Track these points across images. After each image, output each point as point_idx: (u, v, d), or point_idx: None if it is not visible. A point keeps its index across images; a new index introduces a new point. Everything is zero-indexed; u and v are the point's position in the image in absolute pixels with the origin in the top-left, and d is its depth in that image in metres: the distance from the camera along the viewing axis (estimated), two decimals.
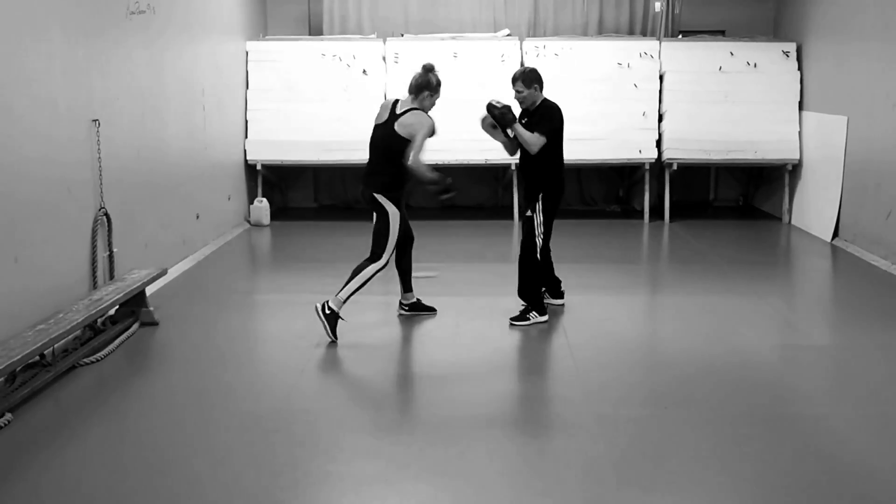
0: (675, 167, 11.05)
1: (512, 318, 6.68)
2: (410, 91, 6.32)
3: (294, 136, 11.13)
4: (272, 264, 9.83)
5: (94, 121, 6.62)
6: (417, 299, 6.95)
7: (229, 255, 9.47)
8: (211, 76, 9.73)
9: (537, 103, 6.56)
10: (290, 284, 8.30)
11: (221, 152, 10.18)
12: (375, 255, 6.32)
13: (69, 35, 6.30)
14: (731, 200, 12.57)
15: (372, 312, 6.89)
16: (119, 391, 5.55)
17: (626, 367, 5.87)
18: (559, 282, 7.13)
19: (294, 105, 11.18)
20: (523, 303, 6.76)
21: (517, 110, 6.60)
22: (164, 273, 7.11)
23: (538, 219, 6.60)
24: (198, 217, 9.16)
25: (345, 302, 6.26)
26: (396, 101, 6.40)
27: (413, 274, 6.86)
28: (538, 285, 6.75)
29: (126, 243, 7.20)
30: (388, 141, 6.28)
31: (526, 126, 6.48)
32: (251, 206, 11.12)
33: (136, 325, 6.59)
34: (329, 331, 6.20)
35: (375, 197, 6.33)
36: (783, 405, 5.20)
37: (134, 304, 6.67)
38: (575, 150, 10.88)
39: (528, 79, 6.51)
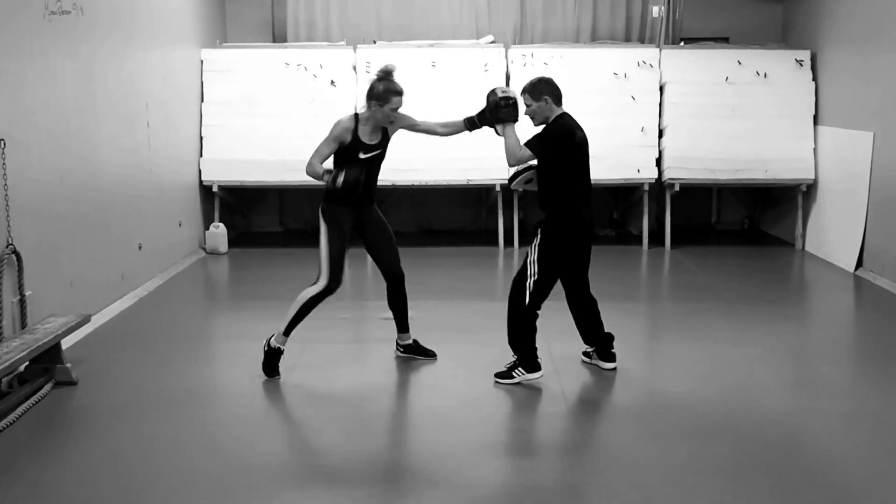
0: (677, 188, 10.01)
1: (497, 374, 5.60)
2: (365, 100, 5.64)
3: (255, 154, 10.01)
4: (223, 302, 8.63)
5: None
6: (414, 340, 6.09)
7: (177, 290, 8.31)
8: (158, 88, 8.61)
9: (551, 119, 5.41)
10: (242, 327, 7.16)
11: (171, 173, 9.05)
12: (316, 278, 5.60)
13: None
14: (735, 223, 11.56)
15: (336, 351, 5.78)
16: (16, 469, 4.37)
17: (632, 434, 4.77)
18: (609, 339, 5.83)
19: (255, 120, 10.07)
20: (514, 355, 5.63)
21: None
22: (86, 320, 5.97)
23: (532, 256, 5.42)
24: (140, 247, 8.02)
25: (287, 334, 5.61)
26: None
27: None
28: (526, 338, 5.50)
29: (45, 284, 6.09)
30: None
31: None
32: (206, 232, 9.98)
33: (48, 386, 5.46)
34: (266, 369, 5.63)
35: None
36: (816, 473, 4.23)
37: (47, 360, 5.53)
38: None
39: (536, 90, 5.37)
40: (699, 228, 11.39)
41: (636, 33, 11.09)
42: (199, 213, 10.06)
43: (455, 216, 11.28)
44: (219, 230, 9.93)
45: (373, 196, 5.80)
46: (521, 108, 5.45)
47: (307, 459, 4.63)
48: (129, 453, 4.58)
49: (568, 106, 10.34)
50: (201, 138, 10.08)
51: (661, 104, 10.16)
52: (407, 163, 10.00)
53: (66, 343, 6.14)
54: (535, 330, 5.52)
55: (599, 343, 5.84)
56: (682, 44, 10.75)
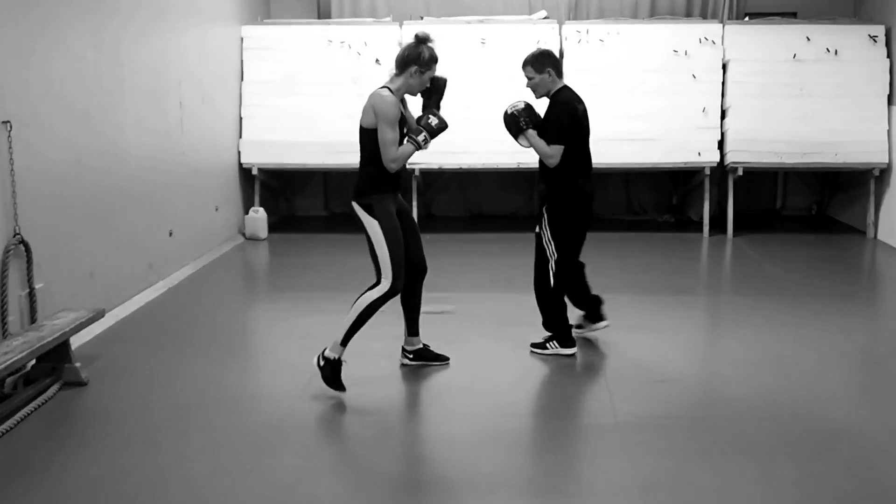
0: (740, 172, 9.38)
1: (532, 344, 5.73)
2: (396, 66, 4.98)
3: (296, 136, 9.63)
4: (258, 292, 8.21)
5: (5, 122, 5.15)
6: (425, 345, 5.52)
7: (210, 279, 7.96)
8: (193, 66, 8.26)
9: (553, 91, 5.47)
10: (277, 322, 6.81)
11: (207, 155, 8.70)
12: (377, 280, 4.99)
13: None
14: (802, 209, 10.90)
15: (368, 361, 5.34)
16: (9, 476, 4.03)
17: (683, 451, 4.25)
18: (598, 302, 5.94)
19: (296, 100, 9.68)
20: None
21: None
22: (99, 315, 5.60)
23: (546, 236, 5.53)
24: (171, 234, 7.69)
25: (345, 344, 4.97)
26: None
27: (425, 310, 5.45)
28: (560, 316, 5.65)
29: (61, 275, 5.77)
30: (360, 136, 5.02)
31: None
32: (246, 216, 9.64)
33: (55, 387, 5.12)
34: (330, 383, 4.97)
35: (353, 206, 5.05)
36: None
37: (55, 358, 5.19)
38: (623, 152, 9.43)
39: (539, 62, 5.44)
40: (763, 214, 10.75)
41: (698, 8, 10.46)
42: (239, 197, 9.73)
43: (506, 200, 10.79)
44: (258, 215, 9.58)
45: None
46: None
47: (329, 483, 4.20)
48: (130, 465, 4.19)
49: (624, 85, 9.82)
50: (241, 119, 9.72)
51: (723, 83, 9.57)
52: (456, 145, 9.53)
53: (81, 338, 5.85)
54: (564, 307, 5.65)
55: (589, 305, 5.92)
56: (746, 19, 10.12)
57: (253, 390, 5.23)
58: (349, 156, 8.85)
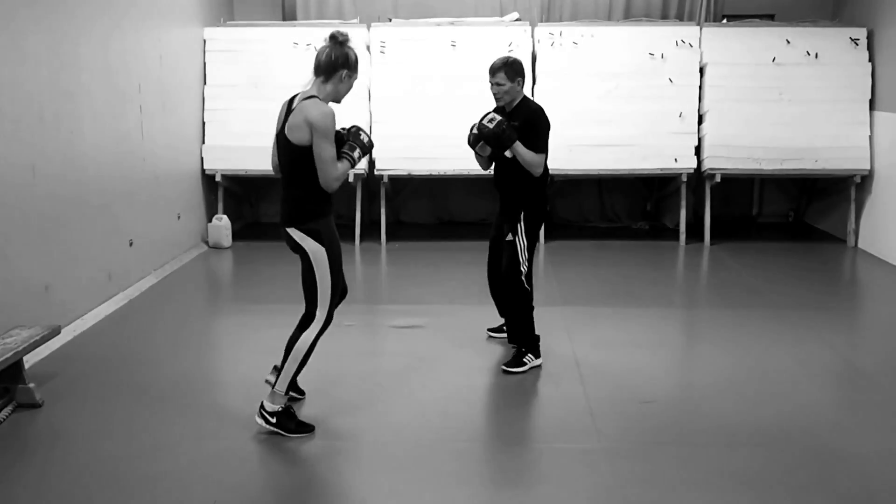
0: (717, 179, 9.19)
1: (504, 364, 5.54)
2: (317, 72, 4.40)
3: (260, 140, 9.03)
4: (222, 303, 7.85)
5: None
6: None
7: (172, 290, 7.62)
8: (153, 69, 7.91)
9: (516, 102, 5.39)
10: (242, 335, 6.48)
11: (168, 161, 8.35)
12: (309, 315, 4.54)
13: None
14: (779, 216, 10.74)
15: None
16: None
17: (667, 479, 4.02)
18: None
19: (261, 104, 9.25)
20: (513, 346, 5.71)
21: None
22: (54, 332, 5.27)
23: (521, 243, 5.45)
24: (131, 244, 7.35)
25: (288, 391, 4.56)
26: (293, 97, 4.46)
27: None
28: (530, 320, 5.58)
29: (13, 289, 5.45)
30: (285, 155, 4.42)
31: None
32: (209, 224, 9.30)
33: (8, 409, 4.81)
34: (298, 430, 4.55)
35: (287, 232, 4.52)
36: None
37: (8, 379, 4.88)
38: (597, 158, 9.20)
39: (512, 70, 5.32)
40: (738, 221, 10.58)
41: (674, 10, 10.24)
42: (202, 205, 9.38)
43: (476, 206, 10.53)
44: (222, 223, 9.25)
45: None
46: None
47: None
48: (84, 495, 3.89)
49: (598, 88, 9.60)
50: (203, 124, 9.38)
51: (701, 87, 9.34)
52: (425, 150, 9.30)
53: (37, 355, 5.58)
54: (532, 316, 5.57)
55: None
56: (724, 21, 9.90)
57: (217, 411, 4.91)
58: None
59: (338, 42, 4.41)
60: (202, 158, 9.34)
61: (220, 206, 9.48)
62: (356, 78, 4.49)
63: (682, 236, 9.43)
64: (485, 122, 5.25)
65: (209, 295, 8.16)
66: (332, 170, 4.32)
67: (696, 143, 9.27)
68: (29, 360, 5.35)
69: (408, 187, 10.53)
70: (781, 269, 8.36)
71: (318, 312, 4.49)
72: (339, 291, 4.58)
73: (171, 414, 4.84)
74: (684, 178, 9.27)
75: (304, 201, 4.44)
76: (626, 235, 9.96)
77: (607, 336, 6.20)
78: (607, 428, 4.62)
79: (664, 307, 7.17)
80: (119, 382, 5.33)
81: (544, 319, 5.82)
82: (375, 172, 9.38)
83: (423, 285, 7.72)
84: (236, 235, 9.52)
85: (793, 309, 6.95)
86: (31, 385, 4.94)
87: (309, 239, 4.44)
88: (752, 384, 5.30)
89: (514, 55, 5.53)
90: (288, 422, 4.53)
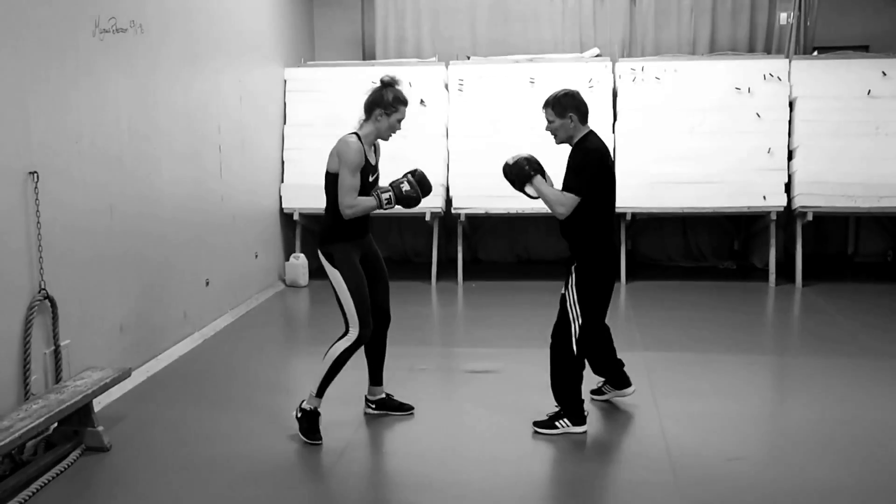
0: (809, 217, 8.81)
1: (536, 423, 5.10)
2: (363, 112, 4.98)
3: None
4: (298, 343, 7.77)
5: (32, 173, 4.85)
6: (387, 395, 5.46)
7: (248, 329, 7.59)
8: (233, 109, 7.97)
9: (576, 138, 4.94)
10: (312, 377, 6.36)
11: (247, 200, 8.38)
12: (345, 329, 4.98)
13: None
14: (876, 255, 10.26)
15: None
16: None
17: None
18: (621, 364, 5.49)
19: None
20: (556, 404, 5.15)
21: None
22: (125, 375, 5.25)
23: (571, 297, 4.97)
24: (207, 283, 7.35)
25: (320, 395, 5.00)
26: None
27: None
28: (573, 387, 5.06)
29: (88, 330, 5.46)
30: (325, 181, 4.98)
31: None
32: (286, 263, 9.29)
33: (76, 453, 4.78)
34: (308, 435, 4.95)
35: (319, 254, 5.03)
36: None
37: (77, 422, 4.85)
38: (681, 195, 8.93)
39: (560, 105, 4.90)
40: (833, 260, 10.14)
41: (761, 43, 9.97)
42: (280, 243, 9.40)
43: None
44: (299, 261, 9.24)
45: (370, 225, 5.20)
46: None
47: None
48: None
49: (682, 124, 9.32)
50: (283, 162, 9.42)
51: (790, 122, 9.04)
52: (503, 189, 9.10)
53: (110, 396, 5.57)
54: (581, 379, 5.08)
55: (611, 371, 5.48)
56: (815, 53, 9.58)
57: (289, 458, 4.79)
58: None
59: (381, 84, 4.91)
60: (280, 196, 9.36)
61: (298, 244, 9.47)
62: (397, 117, 4.91)
63: (772, 277, 9.06)
64: (510, 161, 5.04)
65: (286, 334, 8.11)
66: (347, 198, 4.78)
67: (786, 180, 8.93)
68: (102, 401, 5.36)
69: (485, 225, 10.39)
70: (880, 313, 7.92)
71: (350, 329, 4.91)
72: (369, 310, 4.91)
73: (243, 460, 4.73)
74: (774, 217, 8.92)
75: (328, 226, 4.95)
76: (712, 276, 9.63)
77: (691, 385, 5.90)
78: (691, 488, 4.33)
79: (752, 354, 6.81)
80: (189, 425, 5.27)
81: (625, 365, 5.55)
82: (452, 211, 9.26)
83: (499, 328, 7.53)
84: (313, 274, 9.47)
85: (893, 357, 6.54)
86: (100, 429, 4.90)
87: (326, 262, 4.93)
88: (849, 440, 4.94)
89: (567, 88, 5.05)
90: (308, 423, 4.93)
